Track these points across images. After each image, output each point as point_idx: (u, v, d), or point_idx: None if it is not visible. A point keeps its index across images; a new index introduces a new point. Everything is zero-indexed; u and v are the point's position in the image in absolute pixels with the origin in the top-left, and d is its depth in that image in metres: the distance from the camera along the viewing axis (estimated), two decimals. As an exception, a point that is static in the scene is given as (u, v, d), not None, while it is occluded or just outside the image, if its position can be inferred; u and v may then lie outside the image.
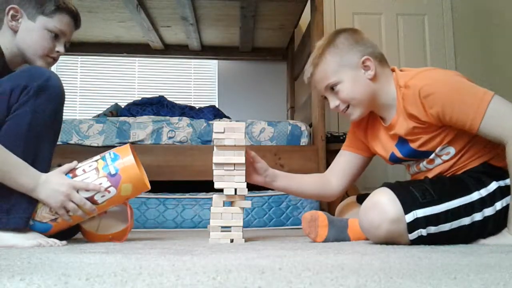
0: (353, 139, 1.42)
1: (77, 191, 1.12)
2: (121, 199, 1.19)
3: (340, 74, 1.23)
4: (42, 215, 1.14)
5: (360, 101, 1.23)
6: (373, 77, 1.22)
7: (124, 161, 1.17)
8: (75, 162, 1.19)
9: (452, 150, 1.17)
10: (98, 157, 1.21)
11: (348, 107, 1.25)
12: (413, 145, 1.20)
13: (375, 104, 1.25)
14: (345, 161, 1.42)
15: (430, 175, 1.22)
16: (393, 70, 1.26)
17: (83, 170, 1.16)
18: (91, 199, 1.14)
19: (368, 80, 1.22)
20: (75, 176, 1.16)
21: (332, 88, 1.25)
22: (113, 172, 1.15)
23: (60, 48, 1.32)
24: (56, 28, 1.29)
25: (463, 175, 1.13)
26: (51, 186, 1.10)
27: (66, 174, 1.15)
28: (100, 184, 1.14)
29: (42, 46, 1.28)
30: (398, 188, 1.05)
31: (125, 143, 2.33)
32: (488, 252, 0.85)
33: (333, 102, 1.27)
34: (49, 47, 1.29)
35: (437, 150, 1.18)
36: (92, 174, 1.15)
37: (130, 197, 1.20)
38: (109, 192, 1.15)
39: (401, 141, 1.23)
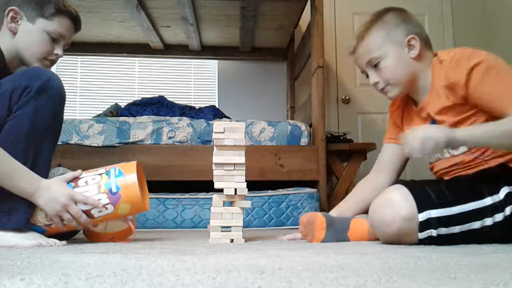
0: (393, 129, 1.41)
1: (75, 203, 1.12)
2: (117, 217, 1.18)
3: (384, 49, 1.23)
4: (38, 219, 1.14)
5: (401, 80, 1.23)
6: (416, 56, 1.22)
7: (127, 179, 1.16)
8: (79, 171, 1.18)
9: None
10: (103, 170, 1.19)
11: (387, 84, 1.25)
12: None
13: (413, 85, 1.25)
14: (390, 154, 1.39)
15: (449, 163, 1.21)
16: (435, 55, 1.25)
17: (86, 182, 1.15)
18: (87, 212, 1.13)
19: (411, 59, 1.22)
20: (76, 186, 1.15)
21: (374, 64, 1.25)
22: (114, 190, 1.14)
23: (58, 51, 1.30)
24: (55, 31, 1.28)
25: (478, 177, 1.11)
26: (51, 193, 1.10)
27: (68, 183, 1.15)
28: (99, 200, 1.13)
29: (40, 48, 1.27)
30: (413, 186, 1.04)
31: (125, 143, 2.33)
32: (488, 252, 0.85)
33: (373, 78, 1.27)
34: (47, 50, 1.28)
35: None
36: (93, 188, 1.14)
37: (127, 215, 1.20)
38: (106, 209, 1.14)
39: (433, 123, 1.22)
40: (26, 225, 1.11)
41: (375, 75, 1.26)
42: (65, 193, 1.11)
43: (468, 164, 1.18)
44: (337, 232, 1.22)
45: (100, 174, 1.17)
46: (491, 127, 1.07)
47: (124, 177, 1.16)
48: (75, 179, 1.16)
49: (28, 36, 1.26)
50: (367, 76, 1.30)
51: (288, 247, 1.03)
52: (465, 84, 1.12)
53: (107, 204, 1.14)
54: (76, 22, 1.34)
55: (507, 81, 1.09)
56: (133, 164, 1.20)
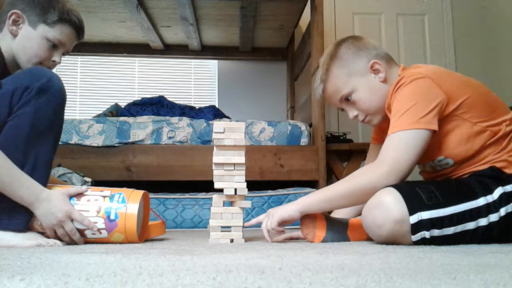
0: (377, 129, 1.41)
1: (72, 220, 1.12)
2: (110, 242, 1.17)
3: (352, 83, 1.24)
4: (34, 225, 1.13)
5: (378, 106, 1.24)
6: (384, 79, 1.23)
7: (128, 208, 1.15)
8: (85, 188, 1.17)
9: (450, 161, 1.16)
10: (108, 193, 1.18)
11: (367, 115, 1.26)
12: None
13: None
14: (376, 155, 1.41)
15: (435, 174, 1.22)
16: (403, 69, 1.24)
17: (88, 200, 1.15)
18: (81, 231, 1.13)
19: (380, 83, 1.23)
20: (78, 202, 1.14)
21: (347, 99, 1.26)
22: (112, 217, 1.14)
23: (56, 58, 1.30)
24: (56, 39, 1.27)
25: (470, 179, 1.10)
26: (49, 207, 1.09)
27: (70, 197, 1.14)
28: (95, 223, 1.13)
29: (38, 54, 1.26)
30: (404, 189, 1.03)
31: (125, 143, 2.33)
32: (488, 252, 0.85)
33: (352, 113, 1.28)
34: (44, 56, 1.28)
35: (435, 161, 1.18)
36: (92, 209, 1.14)
37: (119, 243, 1.18)
38: (100, 233, 1.14)
39: None
40: (26, 227, 1.11)
41: (353, 109, 1.27)
42: (64, 209, 1.10)
43: (454, 173, 1.18)
44: (337, 231, 1.22)
45: (104, 197, 1.16)
46: (336, 190, 1.14)
47: (126, 206, 1.15)
48: (79, 195, 1.16)
49: (27, 40, 1.25)
50: (342, 110, 1.31)
51: (288, 247, 1.03)
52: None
53: (102, 229, 1.13)
54: (79, 31, 1.33)
55: (409, 103, 1.09)
56: (139, 193, 1.19)
